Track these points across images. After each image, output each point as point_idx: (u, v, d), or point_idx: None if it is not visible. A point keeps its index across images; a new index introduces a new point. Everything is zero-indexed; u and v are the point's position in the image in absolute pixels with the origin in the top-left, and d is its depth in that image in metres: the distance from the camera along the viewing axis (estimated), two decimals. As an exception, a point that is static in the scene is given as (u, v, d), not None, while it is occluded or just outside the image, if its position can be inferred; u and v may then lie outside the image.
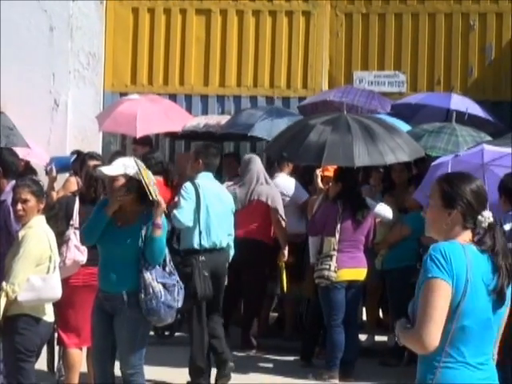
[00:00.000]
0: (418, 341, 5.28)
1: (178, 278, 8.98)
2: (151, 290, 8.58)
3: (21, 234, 8.52)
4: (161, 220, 8.73)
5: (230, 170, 14.13)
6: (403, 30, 16.17)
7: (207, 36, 16.44)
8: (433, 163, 11.33)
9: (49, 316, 8.44)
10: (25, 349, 8.34)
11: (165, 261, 8.90)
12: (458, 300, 5.40)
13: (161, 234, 8.72)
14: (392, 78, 16.14)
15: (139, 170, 9.00)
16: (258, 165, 12.89)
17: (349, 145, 11.52)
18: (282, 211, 12.64)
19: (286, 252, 12.75)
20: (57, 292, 8.36)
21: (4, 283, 8.18)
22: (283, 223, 12.73)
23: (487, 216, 5.77)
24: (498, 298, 5.83)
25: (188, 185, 11.10)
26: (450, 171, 10.52)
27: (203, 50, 16.46)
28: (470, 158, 10.91)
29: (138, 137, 14.42)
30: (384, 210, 12.30)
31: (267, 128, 13.98)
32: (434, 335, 5.24)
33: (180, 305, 9.02)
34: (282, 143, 12.61)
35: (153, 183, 8.88)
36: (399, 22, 16.20)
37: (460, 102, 14.28)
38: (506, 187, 9.84)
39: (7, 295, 8.15)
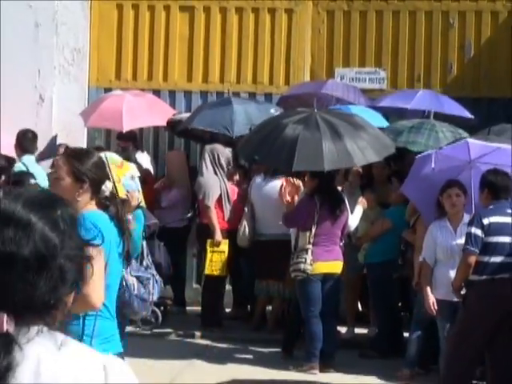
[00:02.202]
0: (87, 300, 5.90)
1: (154, 272, 9.08)
2: (124, 283, 8.67)
3: None
4: (129, 215, 8.64)
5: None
6: (384, 27, 16.22)
7: (191, 33, 16.45)
8: (417, 156, 11.43)
9: None
10: None
11: (142, 254, 9.05)
12: (106, 261, 6.17)
13: (131, 229, 8.75)
14: (373, 75, 16.18)
15: (108, 167, 9.04)
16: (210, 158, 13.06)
17: (318, 148, 11.59)
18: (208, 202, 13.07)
19: (216, 236, 13.15)
20: None
21: None
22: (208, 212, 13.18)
23: (109, 186, 6.57)
24: (125, 260, 7.01)
25: None
26: (433, 165, 10.66)
27: (187, 47, 16.46)
28: (456, 153, 11.02)
29: (124, 131, 14.52)
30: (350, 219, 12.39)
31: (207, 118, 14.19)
32: (100, 293, 6.14)
33: (155, 298, 9.07)
34: (254, 145, 12.66)
35: (129, 178, 8.92)
36: (380, 19, 16.25)
37: (429, 99, 14.54)
38: (488, 182, 9.91)
39: None
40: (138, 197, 9.21)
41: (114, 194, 7.43)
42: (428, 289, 10.28)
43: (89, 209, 6.51)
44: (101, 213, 6.58)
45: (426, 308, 10.30)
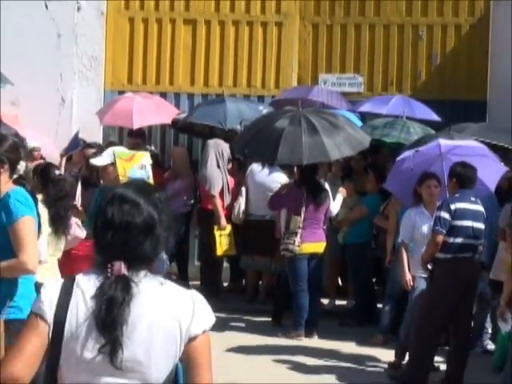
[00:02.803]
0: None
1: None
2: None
3: None
4: None
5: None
6: (361, 38, 16.19)
7: (193, 42, 16.42)
8: (398, 158, 11.32)
9: (41, 279, 8.28)
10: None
11: None
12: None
13: None
14: (352, 80, 16.16)
15: (114, 159, 9.07)
16: (214, 151, 13.09)
17: (299, 144, 11.61)
18: (213, 192, 13.08)
19: (222, 222, 13.11)
20: (41, 256, 7.93)
21: None
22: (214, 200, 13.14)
23: (23, 165, 6.20)
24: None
25: None
26: (412, 164, 10.69)
27: (190, 55, 16.43)
28: (429, 150, 10.94)
29: (134, 128, 14.52)
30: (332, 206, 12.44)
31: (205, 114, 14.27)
32: (35, 259, 6.44)
33: (163, 274, 8.99)
34: (245, 141, 12.75)
35: (138, 168, 8.91)
36: (358, 32, 16.22)
37: (402, 103, 14.49)
38: (456, 173, 9.89)
39: None
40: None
41: (27, 173, 7.51)
42: (406, 267, 10.29)
43: (11, 187, 6.41)
44: (23, 189, 6.58)
45: (403, 283, 10.30)
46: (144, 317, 3.43)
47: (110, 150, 9.61)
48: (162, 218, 3.56)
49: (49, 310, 3.42)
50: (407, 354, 10.31)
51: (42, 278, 8.25)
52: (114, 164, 9.14)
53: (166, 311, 3.47)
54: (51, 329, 3.43)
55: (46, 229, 8.28)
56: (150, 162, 9.55)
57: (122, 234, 3.50)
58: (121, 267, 3.43)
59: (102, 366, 3.38)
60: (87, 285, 3.47)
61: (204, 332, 3.55)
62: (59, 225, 8.52)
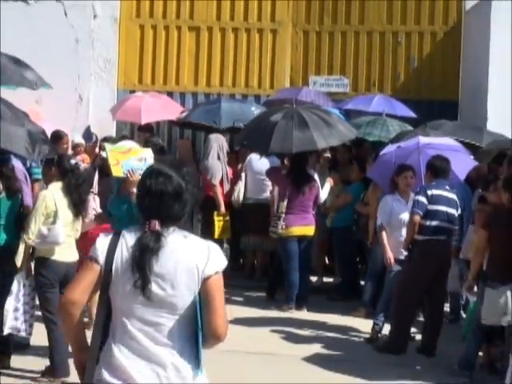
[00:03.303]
0: None
1: None
2: None
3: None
4: (133, 189, 8.22)
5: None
6: (347, 44, 16.16)
7: (197, 47, 16.41)
8: (382, 152, 11.39)
9: (60, 256, 8.36)
10: (42, 282, 8.34)
11: None
12: None
13: (134, 200, 8.75)
14: (338, 81, 16.15)
15: (106, 154, 9.05)
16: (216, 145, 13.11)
17: (290, 136, 11.62)
18: (214, 181, 13.06)
19: (221, 208, 13.10)
20: (59, 238, 8.27)
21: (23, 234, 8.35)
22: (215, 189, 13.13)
23: None
24: None
25: None
26: (394, 159, 10.75)
27: (194, 58, 16.41)
28: (409, 145, 11.04)
29: (142, 124, 14.56)
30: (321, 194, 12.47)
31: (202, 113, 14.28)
32: None
33: None
34: (245, 134, 12.89)
35: (136, 160, 8.81)
36: (344, 38, 16.20)
37: (383, 102, 14.58)
38: (432, 165, 9.99)
39: (25, 242, 8.32)
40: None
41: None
42: (387, 247, 10.33)
43: None
44: None
45: (385, 261, 10.36)
46: (171, 260, 4.12)
47: (106, 145, 9.58)
48: (188, 187, 4.24)
49: (101, 255, 4.18)
50: (383, 328, 10.43)
51: (61, 256, 8.38)
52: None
53: (188, 256, 4.15)
54: (103, 268, 4.18)
55: (63, 214, 8.36)
56: (152, 156, 9.43)
57: (157, 199, 4.18)
58: (155, 224, 4.13)
59: (136, 296, 4.10)
60: (129, 237, 4.21)
61: (216, 273, 4.16)
62: (80, 209, 8.56)
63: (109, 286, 4.17)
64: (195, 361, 4.16)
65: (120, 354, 4.13)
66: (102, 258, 4.18)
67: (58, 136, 12.26)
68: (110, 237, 4.27)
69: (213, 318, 4.10)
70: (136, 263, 4.09)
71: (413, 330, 10.26)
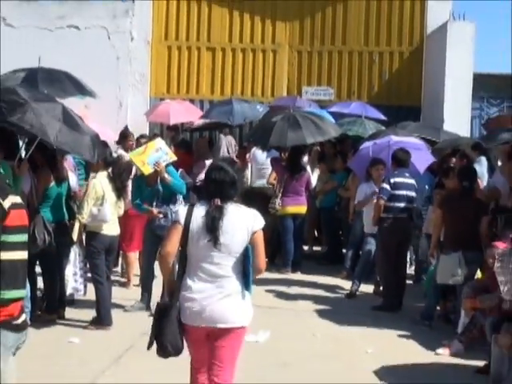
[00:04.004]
0: None
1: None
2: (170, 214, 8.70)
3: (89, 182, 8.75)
4: (164, 175, 8.77)
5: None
6: (332, 61, 16.21)
7: (213, 63, 16.46)
8: (360, 147, 11.39)
9: (107, 230, 8.39)
10: (92, 251, 8.40)
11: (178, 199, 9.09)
12: None
13: (169, 182, 8.77)
14: (325, 91, 16.20)
15: (130, 158, 9.12)
16: (225, 142, 13.10)
17: (285, 134, 11.59)
18: None
19: None
20: (106, 217, 8.32)
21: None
22: None
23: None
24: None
25: None
26: (371, 153, 10.76)
27: (210, 72, 16.49)
28: (382, 142, 11.00)
29: (170, 124, 14.63)
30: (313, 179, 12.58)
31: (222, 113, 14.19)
32: None
33: None
34: (252, 132, 13.08)
35: (157, 161, 8.87)
36: (330, 56, 16.24)
37: (361, 107, 14.57)
38: (395, 156, 10.05)
39: (79, 221, 8.39)
40: (165, 161, 8.90)
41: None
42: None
43: None
44: None
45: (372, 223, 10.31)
46: (230, 223, 4.92)
47: (129, 155, 9.66)
48: (238, 178, 5.07)
49: (182, 219, 4.96)
50: (360, 287, 10.44)
51: (107, 230, 8.43)
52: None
53: (241, 219, 4.98)
54: (183, 228, 4.95)
55: (109, 197, 8.41)
56: (163, 142, 9.41)
57: (219, 185, 4.98)
58: (218, 202, 4.93)
59: (209, 247, 4.91)
60: (200, 209, 4.99)
61: (259, 229, 5.02)
62: (121, 193, 8.62)
63: (187, 240, 4.95)
64: (244, 286, 4.98)
65: (193, 283, 4.94)
66: (182, 221, 4.96)
67: (125, 134, 12.30)
68: (186, 207, 5.08)
69: (257, 258, 4.96)
70: (209, 228, 4.90)
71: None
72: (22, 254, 4.02)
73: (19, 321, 4.02)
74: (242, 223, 4.97)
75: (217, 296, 4.90)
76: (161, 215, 8.85)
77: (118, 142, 12.23)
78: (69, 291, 8.53)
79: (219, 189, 4.99)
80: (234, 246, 4.93)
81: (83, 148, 7.90)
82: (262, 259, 5.00)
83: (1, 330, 3.90)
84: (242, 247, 4.93)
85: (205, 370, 5.08)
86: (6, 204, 3.87)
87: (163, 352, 4.98)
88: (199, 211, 4.96)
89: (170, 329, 4.91)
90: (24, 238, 4.03)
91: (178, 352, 4.99)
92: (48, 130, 7.41)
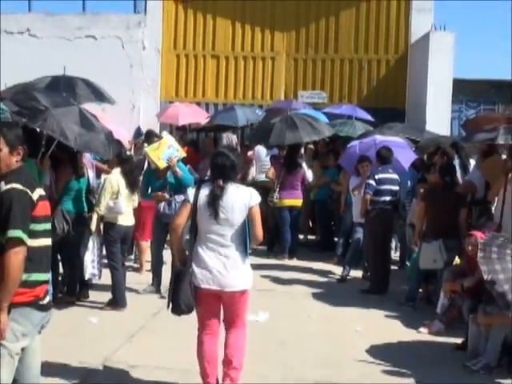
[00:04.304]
0: None
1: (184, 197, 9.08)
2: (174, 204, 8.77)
3: (102, 179, 8.75)
4: (176, 169, 8.79)
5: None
6: (325, 68, 16.18)
7: (217, 70, 16.45)
8: (348, 145, 11.37)
9: (122, 221, 8.39)
10: (109, 240, 8.42)
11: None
12: None
13: (180, 175, 8.79)
14: (319, 95, 16.16)
15: (147, 152, 9.14)
16: (226, 141, 13.06)
17: (283, 133, 11.57)
18: None
19: None
20: (121, 209, 8.32)
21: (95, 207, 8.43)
22: None
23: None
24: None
25: None
26: (358, 150, 10.75)
27: (215, 78, 16.48)
28: (369, 141, 11.00)
29: (179, 125, 14.62)
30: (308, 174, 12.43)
31: (228, 117, 14.25)
32: None
33: None
34: (253, 132, 13.04)
35: (170, 157, 8.89)
36: (323, 64, 16.20)
37: (351, 109, 14.55)
38: (379, 154, 10.04)
39: (97, 212, 8.38)
40: (177, 157, 8.94)
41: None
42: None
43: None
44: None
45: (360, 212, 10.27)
46: (230, 200, 5.29)
47: (145, 150, 9.63)
48: (237, 163, 5.39)
49: (191, 198, 5.37)
50: (350, 272, 10.44)
51: (122, 221, 8.43)
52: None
53: (239, 197, 5.33)
54: (192, 205, 5.35)
55: (123, 191, 8.41)
56: (173, 139, 9.46)
57: (221, 168, 5.33)
58: (220, 182, 5.31)
59: (212, 220, 5.29)
60: (205, 188, 5.37)
61: (255, 205, 5.37)
62: (134, 187, 8.62)
63: (196, 215, 5.35)
64: (244, 253, 5.36)
65: (203, 252, 5.33)
66: (191, 199, 5.36)
67: (150, 133, 12.25)
68: (194, 188, 5.45)
69: (255, 229, 5.32)
70: (210, 204, 5.27)
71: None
72: (47, 241, 4.05)
73: (44, 301, 4.04)
74: (240, 200, 5.33)
75: (222, 263, 5.31)
76: (167, 195, 8.85)
77: (144, 141, 12.22)
78: (87, 276, 8.54)
79: (221, 171, 5.36)
80: (233, 220, 5.30)
81: (99, 146, 7.91)
82: (259, 230, 5.36)
83: (28, 309, 3.92)
84: (241, 220, 5.32)
85: (212, 329, 5.49)
86: (35, 196, 3.90)
87: (178, 310, 5.40)
88: (204, 190, 5.37)
89: (184, 291, 5.28)
90: (48, 226, 4.07)
91: (190, 310, 5.40)
92: (68, 134, 7.44)
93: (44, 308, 4.04)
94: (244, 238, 5.34)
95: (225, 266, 5.28)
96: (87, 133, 7.69)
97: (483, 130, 8.99)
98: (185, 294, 5.29)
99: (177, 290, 5.32)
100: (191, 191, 5.44)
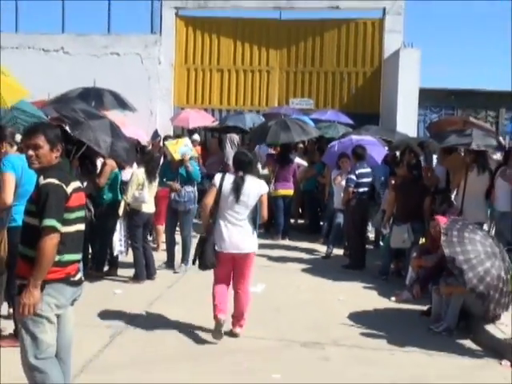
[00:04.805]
0: None
1: (194, 189, 9.11)
2: (183, 193, 8.85)
3: (129, 173, 8.72)
4: (188, 164, 8.80)
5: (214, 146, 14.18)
6: (312, 79, 16.20)
7: (221, 81, 16.46)
8: (329, 144, 11.33)
9: (145, 209, 8.35)
10: (133, 224, 8.37)
11: (194, 184, 9.10)
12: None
13: (191, 170, 8.81)
14: (307, 102, 16.13)
15: (166, 145, 9.14)
16: (228, 141, 12.99)
17: (278, 134, 11.49)
18: (229, 161, 12.43)
19: None
20: (145, 199, 8.27)
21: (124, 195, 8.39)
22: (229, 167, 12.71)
23: None
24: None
25: None
26: (337, 149, 10.70)
27: (220, 88, 16.48)
28: (346, 141, 10.97)
29: (190, 127, 14.57)
30: (301, 162, 12.43)
31: (235, 120, 14.27)
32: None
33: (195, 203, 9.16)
34: (252, 133, 12.79)
35: (185, 152, 8.91)
36: (310, 76, 16.22)
37: (334, 114, 14.53)
38: (354, 152, 9.99)
39: (125, 201, 8.36)
40: (190, 155, 8.99)
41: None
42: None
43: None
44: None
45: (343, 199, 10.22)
46: (247, 188, 5.93)
47: (166, 144, 9.65)
48: (254, 159, 5.92)
49: (217, 183, 5.93)
50: (333, 250, 10.44)
51: (145, 208, 8.42)
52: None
53: (254, 186, 5.98)
54: (217, 189, 5.91)
55: (147, 184, 8.40)
56: (189, 141, 9.54)
57: (242, 164, 5.99)
58: (241, 173, 5.93)
59: (233, 202, 5.92)
60: (229, 178, 5.97)
61: (265, 193, 6.04)
62: (152, 178, 8.59)
63: (219, 197, 5.91)
64: (253, 227, 6.06)
65: (223, 224, 5.97)
66: (217, 184, 5.93)
67: (167, 136, 12.22)
68: (220, 175, 6.00)
69: (263, 210, 6.06)
70: (234, 190, 5.90)
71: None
72: (79, 227, 4.03)
73: (76, 278, 4.02)
74: (254, 189, 5.99)
75: (238, 232, 5.95)
76: (178, 186, 8.83)
77: (162, 141, 12.21)
78: (115, 253, 8.54)
79: (242, 166, 6.02)
80: (249, 202, 5.97)
81: (123, 154, 7.86)
82: (265, 211, 6.11)
83: (61, 284, 3.92)
84: (254, 203, 6.00)
85: (225, 282, 6.15)
86: (69, 190, 3.86)
87: (204, 266, 6.03)
88: (228, 179, 5.97)
89: (209, 252, 5.93)
90: (81, 214, 4.04)
91: (212, 266, 6.02)
92: (101, 144, 7.42)
93: (75, 284, 4.02)
94: (254, 216, 6.06)
95: (239, 234, 5.94)
96: (116, 143, 7.69)
97: (454, 133, 8.88)
98: (209, 255, 5.94)
99: (203, 251, 5.98)
100: (217, 177, 6.01)
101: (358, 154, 9.92)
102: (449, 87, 16.02)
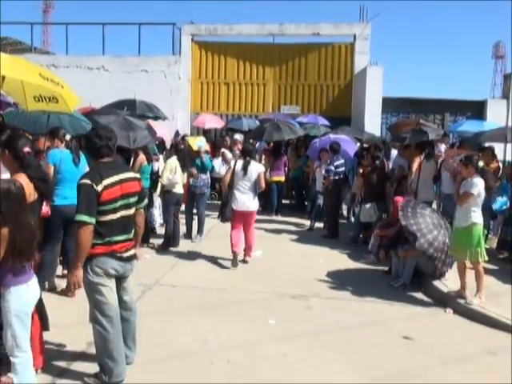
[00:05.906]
0: None
1: (207, 176, 8.96)
2: (199, 180, 8.77)
3: (164, 162, 8.59)
4: (202, 155, 8.74)
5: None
6: (299, 91, 15.95)
7: (227, 92, 16.22)
8: (312, 141, 11.21)
9: (177, 190, 8.23)
10: (167, 202, 8.28)
11: (206, 172, 8.97)
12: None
13: (204, 161, 8.75)
14: (295, 108, 15.63)
15: (187, 139, 9.16)
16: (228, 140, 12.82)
17: (271, 133, 11.37)
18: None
19: None
20: (177, 181, 8.16)
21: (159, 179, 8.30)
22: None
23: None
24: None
25: None
26: (318, 145, 10.61)
27: (226, 97, 16.30)
28: (325, 139, 10.86)
29: (205, 128, 14.47)
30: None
31: (239, 124, 14.05)
32: None
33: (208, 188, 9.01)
34: (253, 133, 12.57)
35: (200, 146, 8.87)
36: (297, 88, 15.86)
37: (313, 118, 14.34)
38: (331, 147, 9.89)
39: (161, 182, 8.29)
40: (204, 149, 8.97)
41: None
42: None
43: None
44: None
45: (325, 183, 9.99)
46: (251, 168, 6.99)
47: (187, 139, 9.68)
48: (255, 150, 6.43)
49: (232, 165, 7.13)
50: (315, 224, 10.40)
51: (176, 189, 8.22)
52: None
53: (255, 167, 7.05)
54: (232, 170, 7.05)
55: (178, 169, 8.27)
56: (204, 139, 9.75)
57: (248, 152, 7.11)
58: (248, 158, 6.99)
59: (242, 177, 6.97)
60: (240, 162, 7.08)
61: (261, 171, 7.07)
62: (184, 169, 8.48)
63: (234, 174, 7.07)
64: (255, 194, 7.14)
65: (237, 192, 7.10)
66: (232, 166, 7.13)
67: (185, 135, 12.08)
68: (233, 161, 7.17)
69: (260, 183, 7.11)
70: (243, 169, 7.04)
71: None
72: (123, 213, 3.83)
73: (123, 254, 3.86)
74: (255, 169, 7.15)
75: (246, 197, 7.11)
76: (195, 172, 8.77)
77: (181, 139, 12.07)
78: (157, 225, 8.65)
79: (248, 153, 7.19)
80: (252, 177, 7.10)
81: (143, 140, 7.68)
82: (263, 183, 7.15)
83: (104, 257, 3.78)
84: (255, 178, 7.11)
85: (239, 229, 7.24)
86: (99, 188, 3.67)
87: (225, 219, 7.19)
88: (239, 163, 7.15)
89: (228, 209, 7.11)
90: (117, 204, 3.79)
91: (229, 220, 7.18)
92: (124, 140, 7.24)
93: (122, 259, 3.85)
94: (255, 187, 7.15)
95: (247, 198, 7.12)
96: (134, 133, 7.53)
97: (411, 132, 8.95)
98: (228, 211, 7.16)
99: (224, 209, 7.17)
100: (232, 163, 7.23)
101: (334, 148, 9.84)
102: (405, 96, 15.90)
